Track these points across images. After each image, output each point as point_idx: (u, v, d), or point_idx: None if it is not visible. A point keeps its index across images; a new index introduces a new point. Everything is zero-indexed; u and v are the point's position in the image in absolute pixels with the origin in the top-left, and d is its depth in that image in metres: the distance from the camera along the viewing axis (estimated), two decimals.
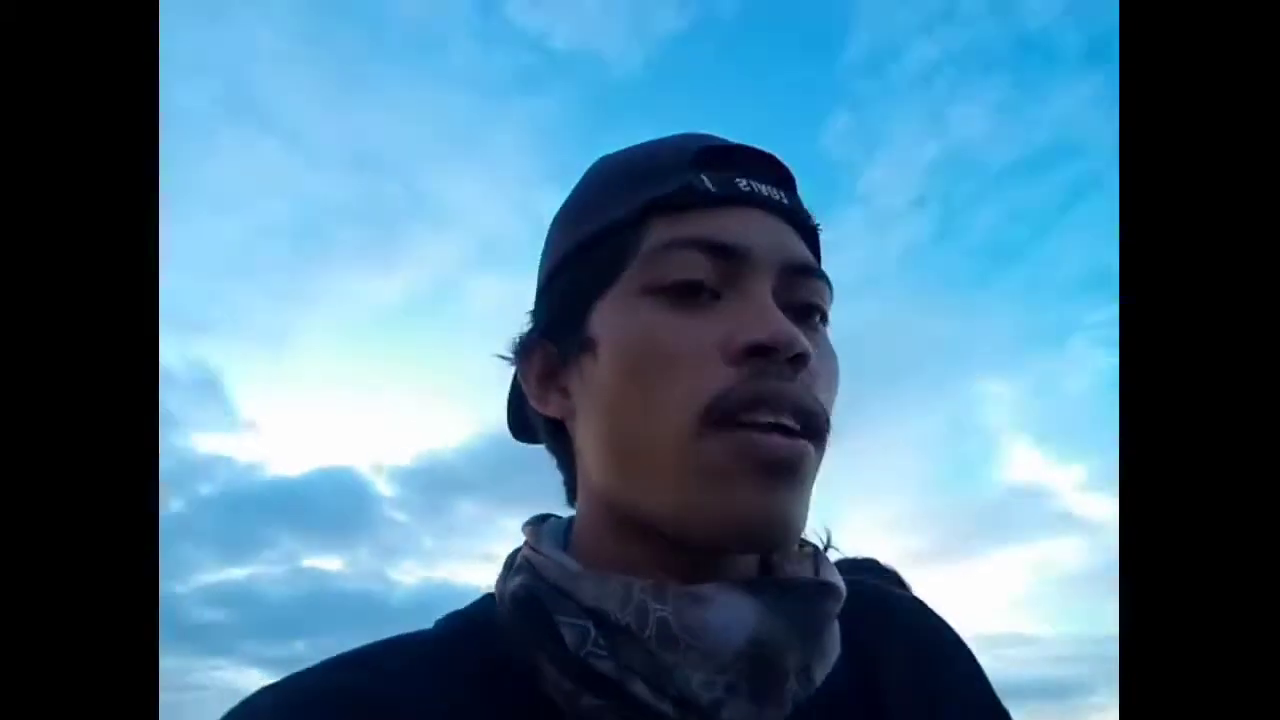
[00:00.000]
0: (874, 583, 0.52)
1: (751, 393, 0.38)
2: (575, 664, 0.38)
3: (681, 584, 0.39)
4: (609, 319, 0.42)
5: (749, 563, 0.44)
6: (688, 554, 0.40)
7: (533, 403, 0.47)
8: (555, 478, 0.51)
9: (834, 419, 0.42)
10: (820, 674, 0.40)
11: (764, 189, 0.43)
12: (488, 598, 0.46)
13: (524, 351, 0.47)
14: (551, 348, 0.46)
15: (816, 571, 0.43)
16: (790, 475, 0.38)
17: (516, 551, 0.46)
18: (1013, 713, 0.49)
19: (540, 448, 0.51)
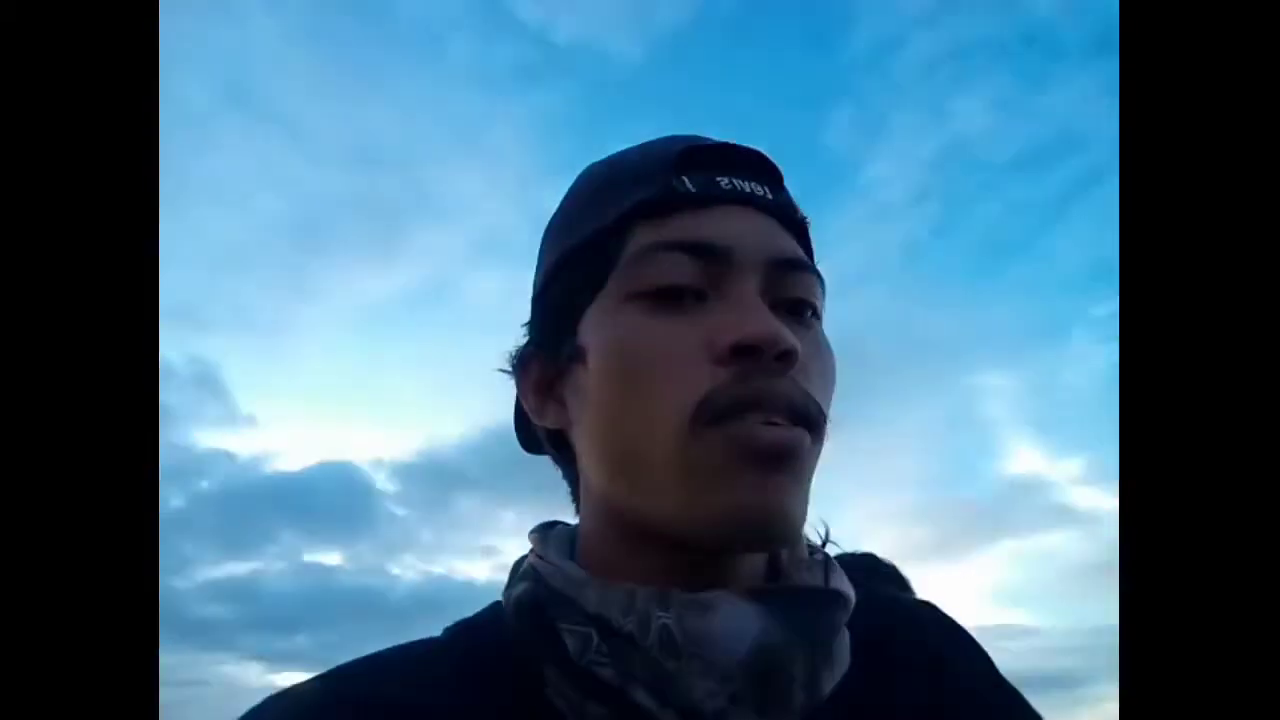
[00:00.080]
0: (892, 591, 0.52)
1: (740, 393, 0.38)
2: (578, 671, 0.38)
3: (687, 591, 0.38)
4: (596, 327, 0.42)
5: (756, 570, 0.44)
6: (691, 557, 0.40)
7: (531, 415, 0.47)
8: (554, 474, 0.51)
9: (833, 412, 0.42)
10: (829, 684, 0.39)
11: (747, 186, 0.43)
12: (495, 605, 0.46)
13: (521, 364, 0.48)
14: (546, 359, 0.46)
15: (827, 580, 0.43)
16: (787, 465, 0.38)
17: (523, 559, 0.46)
18: None
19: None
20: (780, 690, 0.37)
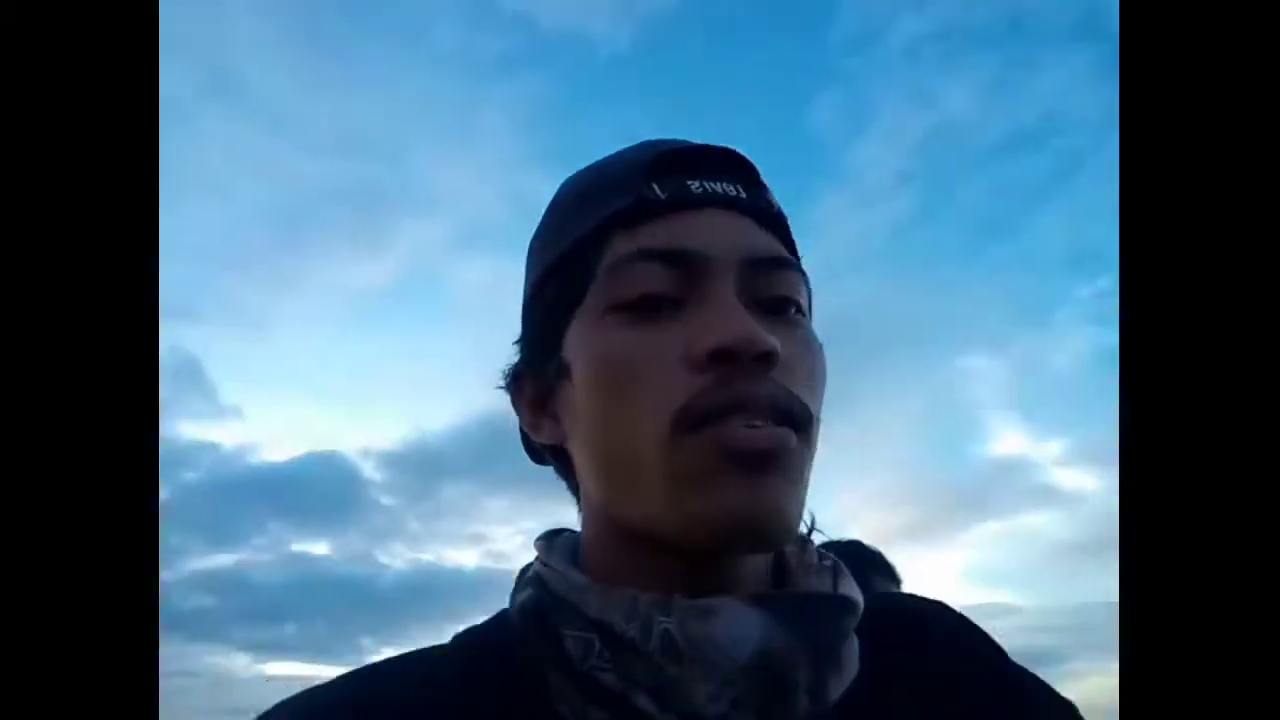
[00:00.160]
0: (906, 595, 0.51)
1: (720, 398, 0.37)
2: (580, 677, 0.38)
3: (689, 596, 0.38)
4: (579, 343, 0.42)
5: (761, 575, 0.43)
6: (690, 563, 0.40)
7: (528, 431, 0.48)
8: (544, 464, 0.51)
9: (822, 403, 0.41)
10: (836, 691, 0.39)
11: (719, 187, 0.42)
12: (502, 613, 0.46)
13: (514, 381, 0.48)
14: (536, 376, 0.46)
15: (835, 586, 0.42)
16: (773, 465, 0.37)
17: (529, 566, 0.46)
18: None
19: None
20: (783, 696, 0.37)
